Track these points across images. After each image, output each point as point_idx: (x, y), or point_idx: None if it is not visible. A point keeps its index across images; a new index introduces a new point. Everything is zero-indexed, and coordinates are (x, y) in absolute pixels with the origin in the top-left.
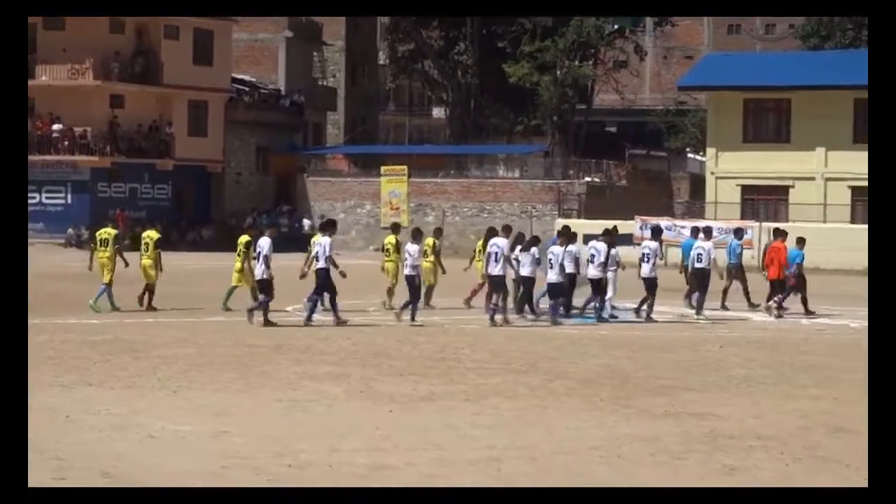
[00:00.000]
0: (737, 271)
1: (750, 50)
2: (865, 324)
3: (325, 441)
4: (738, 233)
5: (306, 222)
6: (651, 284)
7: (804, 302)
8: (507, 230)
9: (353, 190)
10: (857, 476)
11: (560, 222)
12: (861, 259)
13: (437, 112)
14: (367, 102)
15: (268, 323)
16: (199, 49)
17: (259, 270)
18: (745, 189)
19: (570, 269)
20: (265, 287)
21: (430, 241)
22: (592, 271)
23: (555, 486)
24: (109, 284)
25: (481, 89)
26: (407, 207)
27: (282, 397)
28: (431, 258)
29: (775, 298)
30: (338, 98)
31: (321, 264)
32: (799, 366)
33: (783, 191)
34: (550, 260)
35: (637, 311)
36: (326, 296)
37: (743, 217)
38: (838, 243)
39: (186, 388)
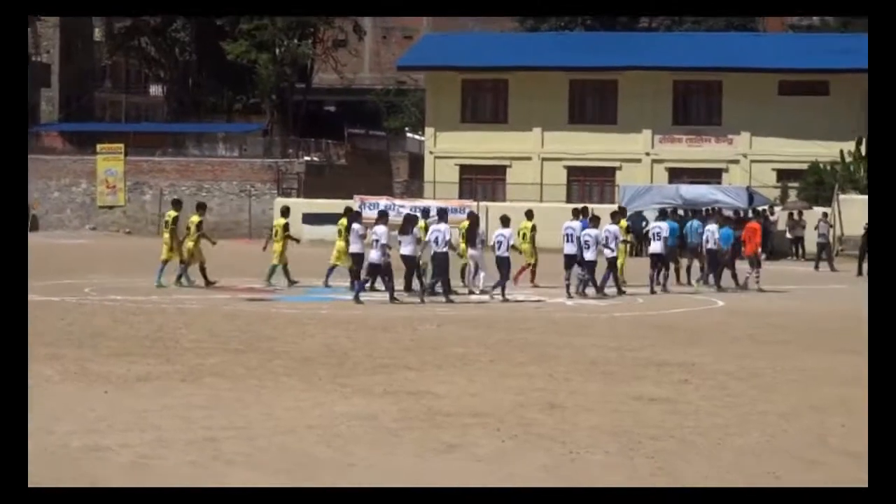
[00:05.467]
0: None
1: (468, 30)
2: (582, 301)
3: (39, 423)
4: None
5: None
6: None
7: (734, 276)
8: (584, 212)
9: (68, 168)
10: (563, 450)
11: (280, 201)
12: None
13: (155, 90)
14: (83, 79)
15: (393, 300)
16: None
17: (374, 255)
18: (464, 168)
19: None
20: (378, 270)
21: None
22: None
23: (274, 465)
24: (183, 263)
25: (199, 67)
26: (124, 186)
27: None
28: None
29: (754, 273)
30: (52, 74)
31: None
32: (516, 343)
33: (501, 170)
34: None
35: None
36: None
37: (461, 196)
38: (555, 222)
39: None
